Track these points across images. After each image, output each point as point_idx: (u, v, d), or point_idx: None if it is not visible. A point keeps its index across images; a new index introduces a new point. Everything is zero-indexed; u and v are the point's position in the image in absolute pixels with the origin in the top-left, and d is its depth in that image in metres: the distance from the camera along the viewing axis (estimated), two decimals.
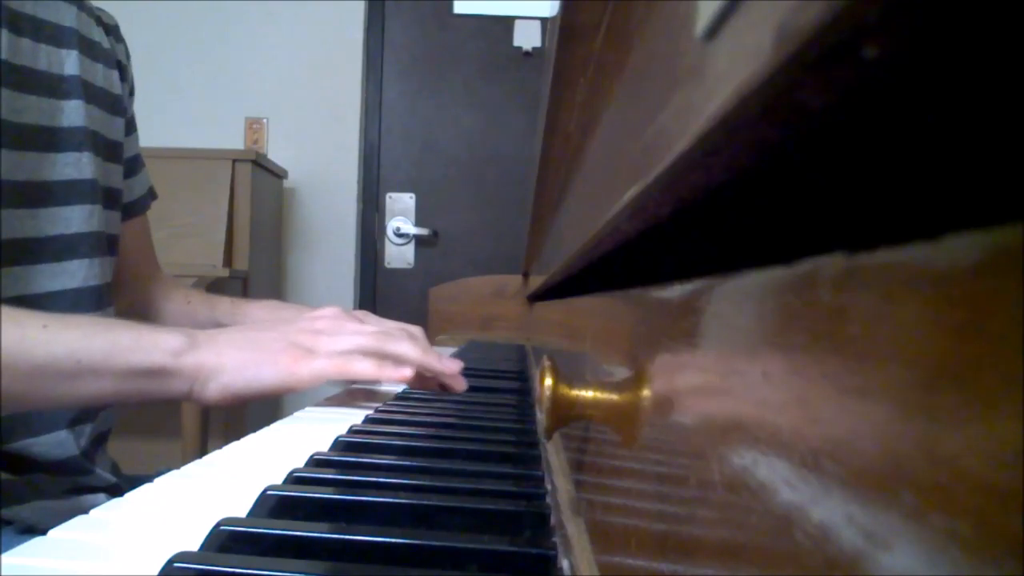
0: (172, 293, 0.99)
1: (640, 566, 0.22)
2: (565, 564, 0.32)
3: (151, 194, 0.99)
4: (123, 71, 0.91)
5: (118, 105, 0.88)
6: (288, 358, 0.66)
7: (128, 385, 0.62)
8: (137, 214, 0.95)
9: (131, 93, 0.94)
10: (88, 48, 0.82)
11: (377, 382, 0.80)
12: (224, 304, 0.98)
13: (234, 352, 0.65)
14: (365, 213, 2.73)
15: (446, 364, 0.77)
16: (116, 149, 0.87)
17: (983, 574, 0.07)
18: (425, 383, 0.82)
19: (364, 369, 0.67)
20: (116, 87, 0.87)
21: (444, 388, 0.82)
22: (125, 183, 0.91)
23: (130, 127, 0.93)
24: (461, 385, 0.81)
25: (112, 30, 0.90)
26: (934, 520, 0.08)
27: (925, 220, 0.10)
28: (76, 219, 0.78)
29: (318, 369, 0.66)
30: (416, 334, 0.80)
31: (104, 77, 0.85)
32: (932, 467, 0.09)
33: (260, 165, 2.33)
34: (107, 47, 0.87)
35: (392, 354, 0.71)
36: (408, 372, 0.68)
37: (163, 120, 2.61)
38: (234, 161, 2.23)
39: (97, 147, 0.82)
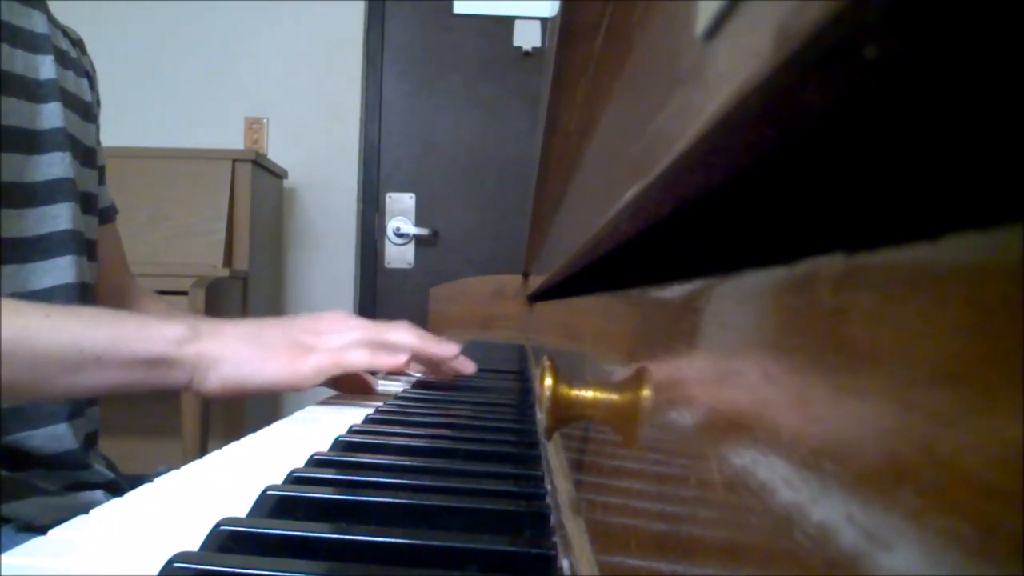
0: (152, 305, 0.98)
1: (640, 566, 0.22)
2: (565, 564, 0.32)
3: (114, 208, 0.99)
4: (91, 81, 0.92)
5: (90, 112, 0.89)
6: (289, 355, 0.66)
7: (131, 375, 0.62)
8: (106, 222, 0.96)
9: (97, 104, 0.95)
10: (60, 55, 0.83)
11: (377, 373, 0.81)
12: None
13: (237, 345, 0.65)
14: (365, 213, 2.73)
15: (444, 348, 0.79)
16: (91, 155, 0.88)
17: (983, 574, 0.07)
18: (437, 372, 0.84)
19: (359, 359, 0.68)
20: (87, 94, 0.89)
21: (456, 373, 0.84)
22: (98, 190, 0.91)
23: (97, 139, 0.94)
24: (468, 367, 0.82)
25: (78, 44, 0.92)
26: (934, 520, 0.08)
27: (925, 220, 0.10)
28: (64, 216, 0.79)
29: (317, 364, 0.66)
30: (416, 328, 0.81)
31: (75, 84, 0.86)
32: (932, 467, 0.09)
33: (260, 165, 2.33)
34: (75, 56, 0.88)
35: (387, 342, 0.72)
36: (402, 358, 0.69)
37: (163, 120, 2.61)
38: (234, 161, 2.23)
39: (75, 150, 0.82)
